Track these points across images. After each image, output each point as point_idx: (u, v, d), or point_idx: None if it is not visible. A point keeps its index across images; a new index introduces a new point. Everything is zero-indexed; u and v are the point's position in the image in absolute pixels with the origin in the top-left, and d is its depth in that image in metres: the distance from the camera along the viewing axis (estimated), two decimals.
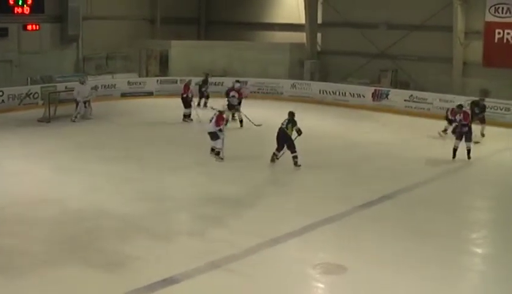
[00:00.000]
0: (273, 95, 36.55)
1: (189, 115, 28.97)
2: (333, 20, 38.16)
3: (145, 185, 18.92)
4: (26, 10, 35.07)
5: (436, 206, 17.64)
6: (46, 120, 28.50)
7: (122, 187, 18.55)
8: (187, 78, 31.63)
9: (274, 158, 21.33)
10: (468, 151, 22.39)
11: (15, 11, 34.72)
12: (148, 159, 21.95)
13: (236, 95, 28.57)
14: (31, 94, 32.22)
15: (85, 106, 29.16)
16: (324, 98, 35.40)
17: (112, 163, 21.07)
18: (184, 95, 29.23)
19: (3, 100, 31.47)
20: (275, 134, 21.14)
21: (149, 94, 36.51)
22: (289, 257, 13.75)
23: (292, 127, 21.13)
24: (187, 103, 29.18)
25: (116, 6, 39.14)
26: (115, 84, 35.99)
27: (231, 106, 28.16)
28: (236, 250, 13.88)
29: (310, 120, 29.51)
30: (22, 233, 14.73)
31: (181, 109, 28.99)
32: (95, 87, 34.58)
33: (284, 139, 21.13)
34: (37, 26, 36.17)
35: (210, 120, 21.75)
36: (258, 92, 36.71)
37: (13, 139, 24.99)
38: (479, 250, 15.06)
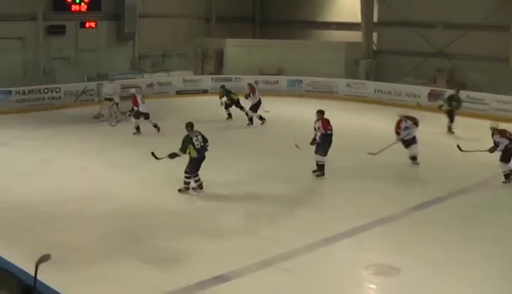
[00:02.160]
0: (328, 94, 36.34)
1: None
2: (389, 19, 37.83)
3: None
4: (83, 7, 35.54)
5: (492, 209, 17.32)
6: (101, 117, 28.73)
7: (174, 184, 18.62)
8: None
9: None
10: None
11: (72, 9, 35.24)
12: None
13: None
14: (87, 91, 32.64)
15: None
16: (379, 98, 35.11)
17: (165, 160, 21.16)
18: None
19: (60, 97, 31.99)
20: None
21: (204, 92, 36.67)
22: (341, 257, 13.69)
23: None
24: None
25: (172, 4, 39.42)
26: (170, 82, 36.28)
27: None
28: (288, 249, 13.87)
29: (364, 119, 29.52)
30: (76, 228, 14.91)
31: (232, 107, 28.89)
32: (151, 85, 34.92)
33: None
34: (94, 24, 36.67)
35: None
36: (313, 91, 36.61)
37: (69, 135, 25.29)
38: None
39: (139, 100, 25.82)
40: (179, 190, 17.65)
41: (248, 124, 28.23)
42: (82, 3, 35.45)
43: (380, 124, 28.12)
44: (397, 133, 21.20)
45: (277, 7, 43.32)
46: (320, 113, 19.92)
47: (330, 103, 33.08)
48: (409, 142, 21.21)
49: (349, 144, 23.96)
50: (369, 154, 20.99)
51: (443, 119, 26.94)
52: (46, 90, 31.83)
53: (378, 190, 18.69)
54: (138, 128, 25.76)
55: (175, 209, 16.53)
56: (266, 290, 12.16)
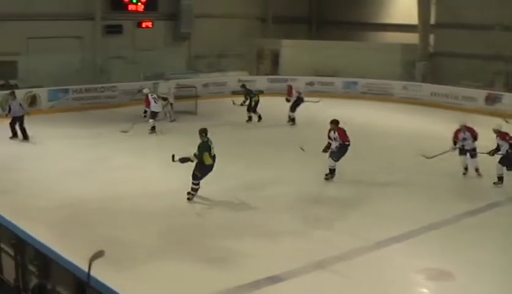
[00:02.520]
0: (383, 96, 36.09)
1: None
2: (446, 21, 37.33)
3: (250, 182, 19.00)
4: (140, 7, 35.83)
5: None
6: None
7: (227, 184, 18.64)
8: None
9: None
10: None
11: (129, 9, 35.56)
12: (253, 156, 22.03)
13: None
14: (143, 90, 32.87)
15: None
16: (435, 100, 34.71)
17: (220, 159, 21.18)
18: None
19: (116, 96, 32.37)
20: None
21: (260, 93, 36.53)
22: (394, 262, 13.57)
23: None
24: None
25: (228, 5, 39.51)
26: (226, 82, 36.36)
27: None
28: (341, 252, 13.82)
29: (421, 122, 29.24)
30: (130, 226, 15.03)
31: (288, 108, 28.83)
32: (206, 85, 35.06)
33: None
34: (151, 24, 36.94)
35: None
36: (368, 93, 36.45)
37: (124, 133, 25.44)
38: None
39: (151, 100, 25.98)
40: (188, 199, 16.94)
41: (289, 123, 28.97)
42: (139, 3, 35.80)
43: (435, 127, 27.90)
44: (454, 142, 20.87)
45: (333, 8, 43.13)
46: (335, 123, 19.58)
47: (385, 105, 33.03)
48: (469, 153, 20.80)
49: (403, 147, 23.87)
50: (423, 156, 20.74)
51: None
52: (102, 89, 32.24)
53: (432, 194, 18.46)
54: (153, 128, 26.05)
55: (228, 208, 16.55)
56: (318, 291, 12.11)
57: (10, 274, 11.38)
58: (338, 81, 37.24)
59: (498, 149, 19.39)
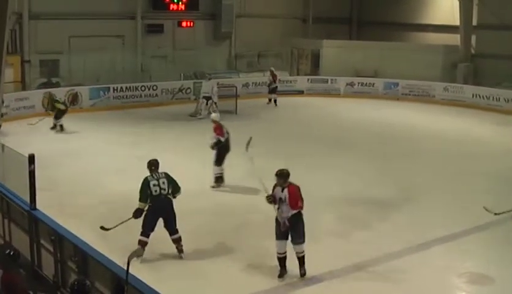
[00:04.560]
0: (424, 97, 35.77)
1: None
2: (489, 22, 36.86)
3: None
4: (181, 7, 35.90)
5: None
6: (198, 115, 28.95)
7: (269, 183, 18.55)
8: None
9: None
10: None
11: (171, 8, 35.64)
12: (295, 156, 21.92)
13: None
14: (184, 89, 33.10)
15: (206, 104, 29.11)
16: (477, 102, 34.29)
17: (260, 159, 21.10)
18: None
19: (156, 94, 32.52)
20: None
21: (300, 93, 36.58)
22: (435, 264, 13.36)
23: None
24: None
25: (268, 4, 39.42)
26: (266, 82, 36.24)
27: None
28: (381, 253, 13.73)
29: (463, 124, 28.94)
30: None
31: (331, 107, 28.71)
32: (247, 85, 35.03)
33: None
34: (192, 23, 37.05)
35: None
36: (409, 94, 36.11)
37: (165, 132, 25.60)
38: None
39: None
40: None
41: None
42: (180, 3, 35.88)
43: (478, 129, 27.67)
44: None
45: (374, 8, 42.80)
46: (283, 176, 12.69)
47: (426, 107, 32.78)
48: None
49: (446, 149, 23.68)
50: (487, 210, 19.03)
51: None
52: (143, 88, 32.36)
53: (476, 196, 18.14)
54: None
55: (268, 208, 16.45)
56: (357, 293, 11.99)
57: (49, 270, 11.44)
58: (379, 82, 36.94)
59: None
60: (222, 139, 18.87)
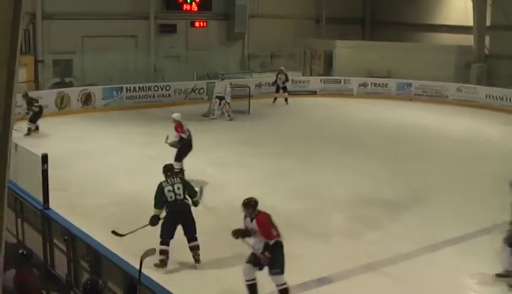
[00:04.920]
0: (437, 98, 35.71)
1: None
2: (502, 23, 36.75)
3: (302, 182, 18.96)
4: (194, 7, 36.00)
5: None
6: (211, 115, 29.04)
7: (280, 184, 18.65)
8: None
9: None
10: None
11: (184, 8, 35.73)
12: (307, 157, 21.96)
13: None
14: (197, 89, 33.20)
15: (219, 104, 29.09)
16: (490, 103, 34.19)
17: (272, 159, 21.23)
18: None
19: (169, 95, 32.63)
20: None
21: (313, 93, 36.58)
22: (445, 265, 13.36)
23: None
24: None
25: (281, 5, 39.46)
26: (274, 81, 36.27)
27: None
28: (392, 254, 13.74)
29: (476, 125, 28.87)
30: None
31: (344, 108, 28.70)
32: (259, 85, 35.08)
33: None
34: (205, 23, 37.15)
35: None
36: (422, 95, 36.04)
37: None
38: None
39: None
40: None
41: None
42: (193, 3, 35.96)
43: (491, 130, 27.60)
44: None
45: (387, 9, 42.76)
46: (250, 206, 11.69)
47: (440, 108, 32.73)
48: None
49: (459, 150, 23.66)
50: None
51: None
52: (156, 88, 32.46)
53: (488, 197, 18.11)
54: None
55: (280, 209, 16.47)
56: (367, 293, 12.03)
57: (62, 270, 11.51)
58: (392, 83, 36.88)
59: None
60: (184, 136, 19.05)
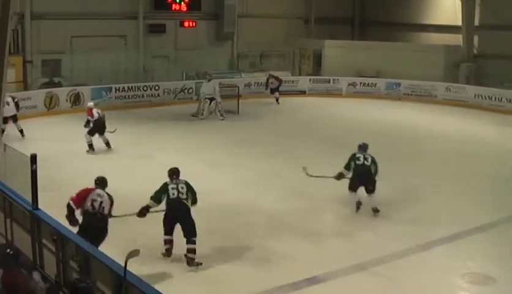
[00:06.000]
0: (426, 97, 35.72)
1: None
2: (491, 22, 36.86)
3: (295, 182, 18.87)
4: (183, 7, 35.97)
5: None
6: (200, 115, 28.97)
7: (272, 184, 18.63)
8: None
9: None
10: None
11: (173, 8, 35.71)
12: (299, 157, 21.91)
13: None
14: (186, 89, 33.14)
15: (209, 104, 29.08)
16: (479, 103, 34.21)
17: (263, 159, 21.20)
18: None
19: (158, 94, 32.61)
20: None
21: (302, 93, 36.55)
22: (437, 264, 13.36)
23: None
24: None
25: (271, 5, 39.44)
26: (264, 84, 36.24)
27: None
28: (383, 253, 13.73)
29: (465, 125, 28.89)
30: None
31: (333, 107, 28.70)
32: (249, 85, 35.06)
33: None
34: (194, 23, 37.12)
35: None
36: (411, 95, 36.06)
37: (167, 132, 25.65)
38: None
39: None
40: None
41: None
42: (182, 3, 35.93)
43: (480, 129, 27.64)
44: None
45: (376, 9, 42.81)
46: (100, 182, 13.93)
47: (429, 107, 32.78)
48: None
49: (449, 149, 23.72)
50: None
51: None
52: (145, 88, 32.42)
53: (479, 197, 18.18)
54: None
55: (272, 208, 16.49)
56: (358, 293, 11.99)
57: (51, 270, 11.43)
58: (381, 82, 36.89)
59: None
60: (91, 119, 22.42)
